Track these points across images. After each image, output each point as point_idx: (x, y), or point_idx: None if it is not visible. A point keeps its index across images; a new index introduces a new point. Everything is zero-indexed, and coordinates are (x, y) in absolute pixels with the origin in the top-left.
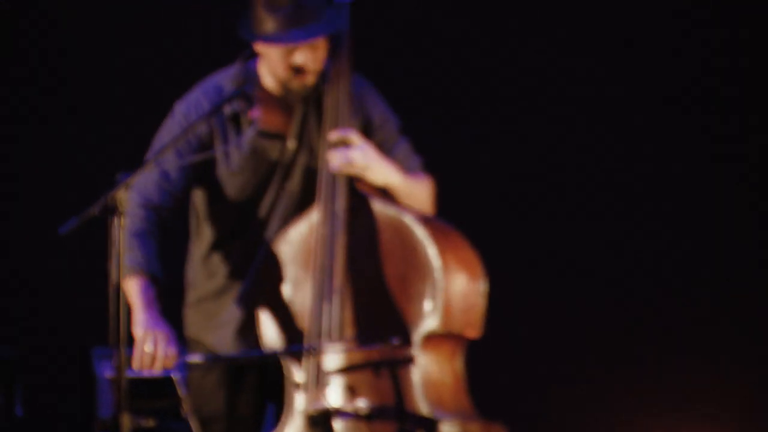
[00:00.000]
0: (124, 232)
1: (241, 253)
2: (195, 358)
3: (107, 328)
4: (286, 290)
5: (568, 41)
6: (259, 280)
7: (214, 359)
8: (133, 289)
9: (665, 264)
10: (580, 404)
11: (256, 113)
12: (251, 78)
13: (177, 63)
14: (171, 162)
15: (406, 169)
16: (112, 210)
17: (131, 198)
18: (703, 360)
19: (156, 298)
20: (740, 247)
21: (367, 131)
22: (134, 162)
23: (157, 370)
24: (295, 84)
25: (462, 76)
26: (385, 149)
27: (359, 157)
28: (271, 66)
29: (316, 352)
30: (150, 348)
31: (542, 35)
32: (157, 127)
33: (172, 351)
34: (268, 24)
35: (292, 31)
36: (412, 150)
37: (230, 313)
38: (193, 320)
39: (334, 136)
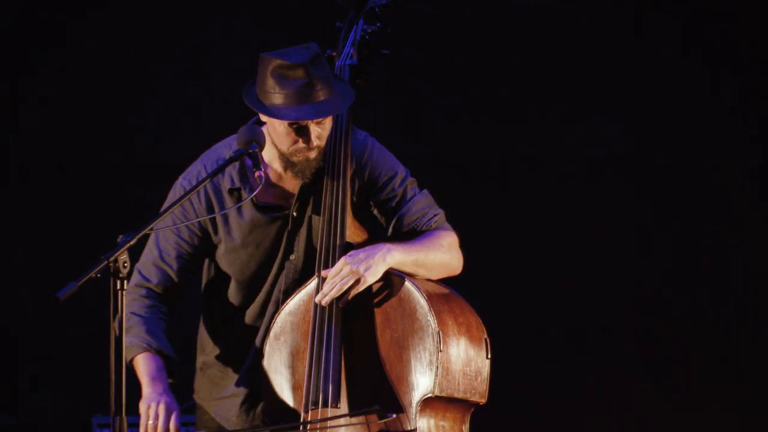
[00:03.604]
0: (125, 310)
1: (246, 325)
2: None
3: (107, 395)
4: (289, 361)
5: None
6: (262, 355)
7: None
8: (139, 366)
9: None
10: None
11: (261, 173)
12: (258, 139)
13: (180, 127)
14: (170, 240)
15: (422, 224)
16: (114, 273)
17: (133, 277)
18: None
19: (161, 371)
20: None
21: (375, 189)
22: (135, 224)
23: None
24: (298, 158)
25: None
26: (395, 205)
27: (348, 277)
28: (275, 137)
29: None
30: (152, 422)
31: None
32: (158, 190)
33: (175, 425)
34: (278, 97)
35: (304, 108)
36: (430, 204)
37: (235, 385)
38: (201, 385)
39: (323, 274)
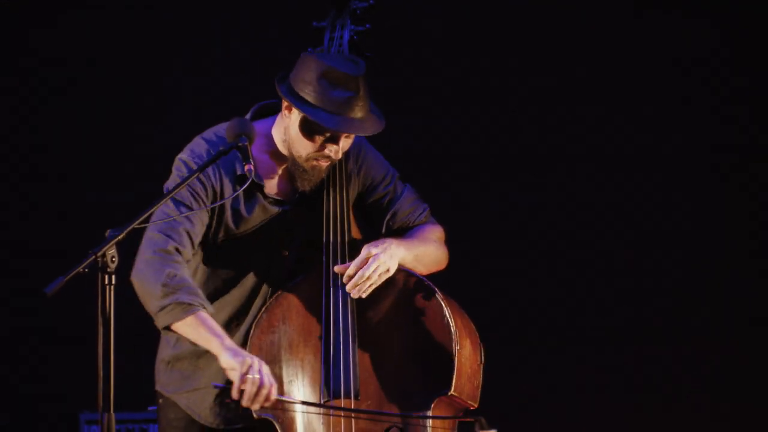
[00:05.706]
0: (149, 270)
1: (225, 318)
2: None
3: (95, 392)
4: (282, 354)
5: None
6: (247, 348)
7: (307, 404)
8: (200, 322)
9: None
10: None
11: (251, 167)
12: (247, 132)
13: (169, 126)
14: (193, 215)
15: (413, 219)
16: (102, 268)
17: (158, 239)
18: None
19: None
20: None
21: (370, 188)
22: (121, 219)
23: (259, 402)
24: (312, 165)
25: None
26: (387, 202)
27: (377, 269)
28: (295, 139)
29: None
30: (252, 376)
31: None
32: (144, 184)
33: (273, 381)
34: (324, 101)
35: (347, 119)
36: (418, 199)
37: (210, 378)
38: (169, 379)
39: (338, 269)
